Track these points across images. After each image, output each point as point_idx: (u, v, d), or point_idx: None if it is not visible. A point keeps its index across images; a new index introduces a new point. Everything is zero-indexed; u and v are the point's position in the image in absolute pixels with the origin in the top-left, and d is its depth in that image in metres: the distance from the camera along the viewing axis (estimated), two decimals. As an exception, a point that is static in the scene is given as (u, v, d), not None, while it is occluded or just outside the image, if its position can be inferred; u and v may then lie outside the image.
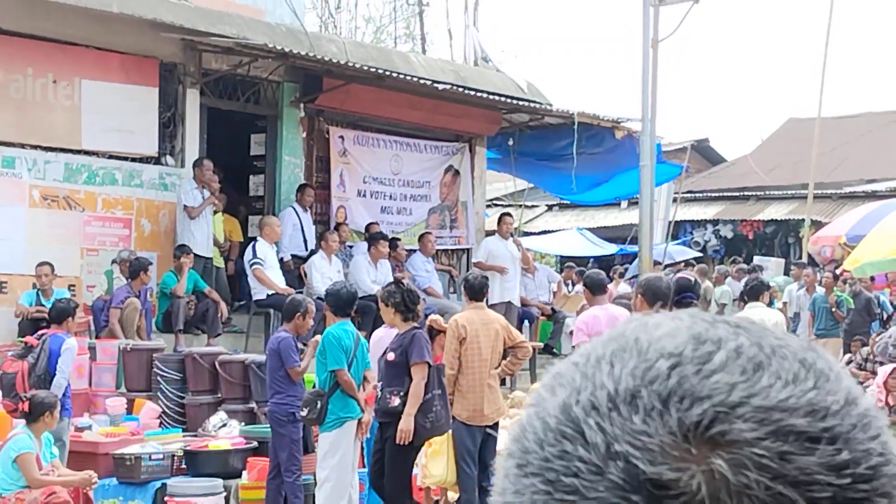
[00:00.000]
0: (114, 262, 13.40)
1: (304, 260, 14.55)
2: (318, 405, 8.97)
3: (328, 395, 9.02)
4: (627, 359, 0.76)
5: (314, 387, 9.31)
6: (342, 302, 9.43)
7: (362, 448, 9.69)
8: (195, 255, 13.56)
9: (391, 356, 8.91)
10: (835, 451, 0.72)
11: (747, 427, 0.71)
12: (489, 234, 17.52)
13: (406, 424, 8.63)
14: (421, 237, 16.38)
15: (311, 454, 9.66)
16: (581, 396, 0.75)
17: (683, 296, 8.93)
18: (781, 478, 0.70)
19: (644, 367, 0.75)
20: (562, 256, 23.85)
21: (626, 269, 21.44)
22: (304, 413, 9.11)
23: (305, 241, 14.88)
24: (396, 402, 8.68)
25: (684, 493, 0.70)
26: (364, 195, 16.36)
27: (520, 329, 13.18)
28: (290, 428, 9.38)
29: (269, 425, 9.69)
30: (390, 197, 16.80)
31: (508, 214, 16.80)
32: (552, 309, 17.08)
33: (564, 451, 0.74)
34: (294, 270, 14.46)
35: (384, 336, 9.93)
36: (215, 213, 14.30)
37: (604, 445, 0.72)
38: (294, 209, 14.89)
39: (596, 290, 10.54)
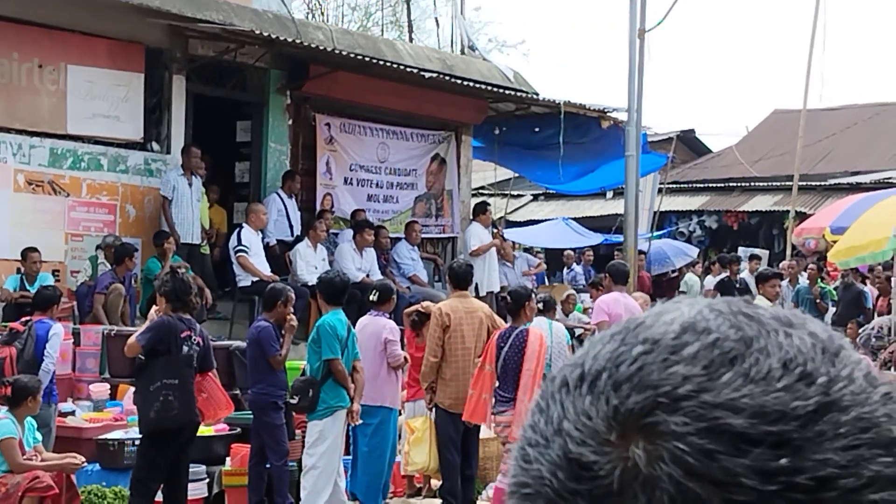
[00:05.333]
0: (98, 247, 13.38)
1: (290, 246, 14.54)
2: (311, 394, 8.99)
3: (320, 383, 9.03)
4: (615, 341, 0.75)
5: (303, 374, 9.32)
6: (335, 290, 9.40)
7: (348, 436, 9.71)
8: (182, 242, 13.56)
9: None
10: (774, 456, 0.68)
11: (679, 421, 0.69)
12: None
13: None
14: (407, 226, 16.39)
15: (295, 441, 9.68)
16: (563, 372, 0.76)
17: None
18: (697, 475, 0.68)
19: (621, 351, 0.74)
20: (547, 248, 23.82)
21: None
22: (294, 401, 9.12)
23: (291, 226, 14.88)
24: None
25: (600, 477, 0.70)
26: (351, 183, 16.35)
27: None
28: (273, 415, 9.39)
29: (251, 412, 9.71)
30: (377, 185, 16.79)
31: (488, 204, 16.98)
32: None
33: (535, 422, 0.75)
34: (280, 257, 14.46)
35: (369, 324, 9.96)
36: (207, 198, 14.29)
37: (557, 421, 0.73)
38: (279, 195, 14.88)
39: (618, 278, 11.43)
